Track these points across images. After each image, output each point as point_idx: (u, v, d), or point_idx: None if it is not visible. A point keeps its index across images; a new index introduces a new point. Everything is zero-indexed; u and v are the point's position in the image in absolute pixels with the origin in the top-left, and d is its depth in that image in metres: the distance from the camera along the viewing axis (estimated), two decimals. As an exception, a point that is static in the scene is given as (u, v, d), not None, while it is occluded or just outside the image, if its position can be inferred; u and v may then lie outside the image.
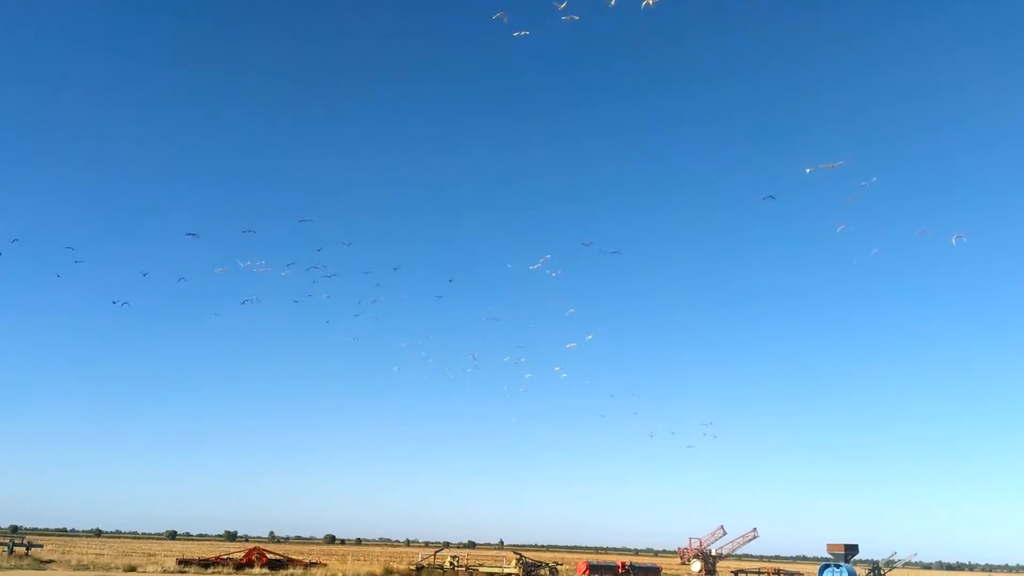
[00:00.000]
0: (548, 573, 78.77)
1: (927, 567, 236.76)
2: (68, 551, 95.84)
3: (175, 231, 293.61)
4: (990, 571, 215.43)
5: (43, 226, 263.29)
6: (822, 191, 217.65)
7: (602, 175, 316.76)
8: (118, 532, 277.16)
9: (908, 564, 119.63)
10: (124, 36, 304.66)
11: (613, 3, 42.16)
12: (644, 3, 37.35)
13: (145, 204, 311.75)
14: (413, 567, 78.69)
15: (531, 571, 77.65)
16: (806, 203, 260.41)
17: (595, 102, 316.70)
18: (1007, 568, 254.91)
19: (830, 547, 78.66)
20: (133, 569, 68.31)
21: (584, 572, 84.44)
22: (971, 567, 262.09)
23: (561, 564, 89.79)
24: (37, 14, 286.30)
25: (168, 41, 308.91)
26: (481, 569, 77.36)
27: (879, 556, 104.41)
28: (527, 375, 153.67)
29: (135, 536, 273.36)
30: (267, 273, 79.94)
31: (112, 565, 72.51)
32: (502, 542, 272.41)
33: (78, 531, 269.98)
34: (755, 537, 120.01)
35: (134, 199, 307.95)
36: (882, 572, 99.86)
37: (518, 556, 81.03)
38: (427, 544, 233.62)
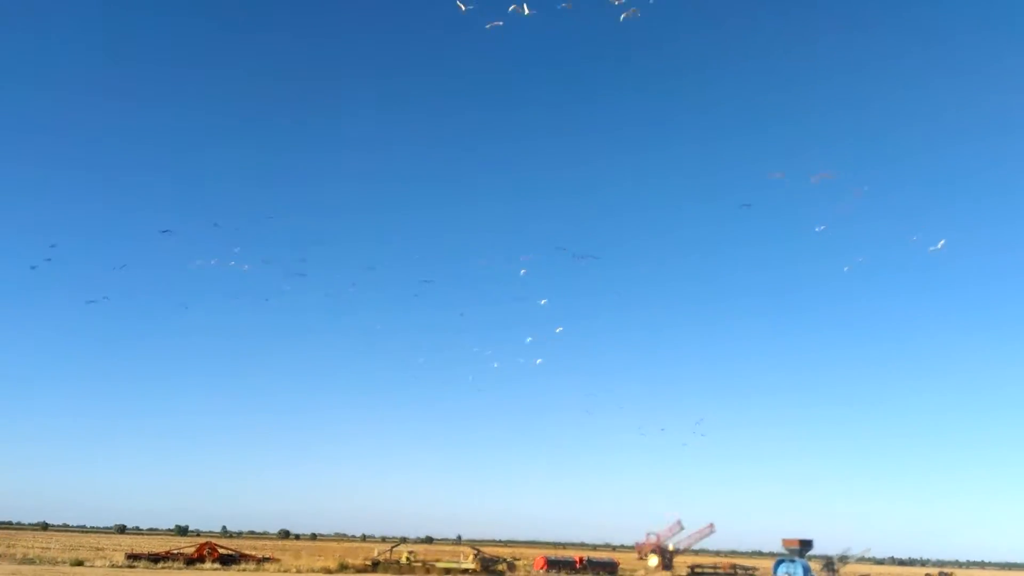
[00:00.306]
0: (506, 568, 78.40)
1: (880, 562, 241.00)
2: (13, 544, 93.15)
3: (151, 227, 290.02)
4: (942, 566, 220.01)
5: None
6: (814, 191, 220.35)
7: (591, 171, 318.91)
8: (65, 526, 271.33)
9: (862, 559, 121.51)
10: (103, 34, 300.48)
11: (568, 5, 41.68)
12: (623, 15, 36.96)
13: (124, 201, 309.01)
14: (369, 563, 77.69)
15: (489, 566, 77.20)
16: (796, 203, 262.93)
17: (578, 99, 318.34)
18: (958, 564, 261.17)
19: (785, 542, 79.41)
20: (80, 563, 66.41)
21: (542, 567, 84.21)
22: (923, 562, 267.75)
23: (519, 559, 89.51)
24: (12, 12, 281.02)
25: (145, 39, 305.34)
26: (438, 565, 76.64)
27: (834, 551, 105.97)
28: (495, 364, 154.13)
29: (83, 530, 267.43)
30: (233, 268, 78.51)
31: (59, 559, 70.40)
32: (460, 537, 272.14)
33: (24, 524, 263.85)
34: (712, 532, 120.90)
35: (114, 196, 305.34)
36: (836, 567, 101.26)
37: (476, 551, 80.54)
38: (383, 539, 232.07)
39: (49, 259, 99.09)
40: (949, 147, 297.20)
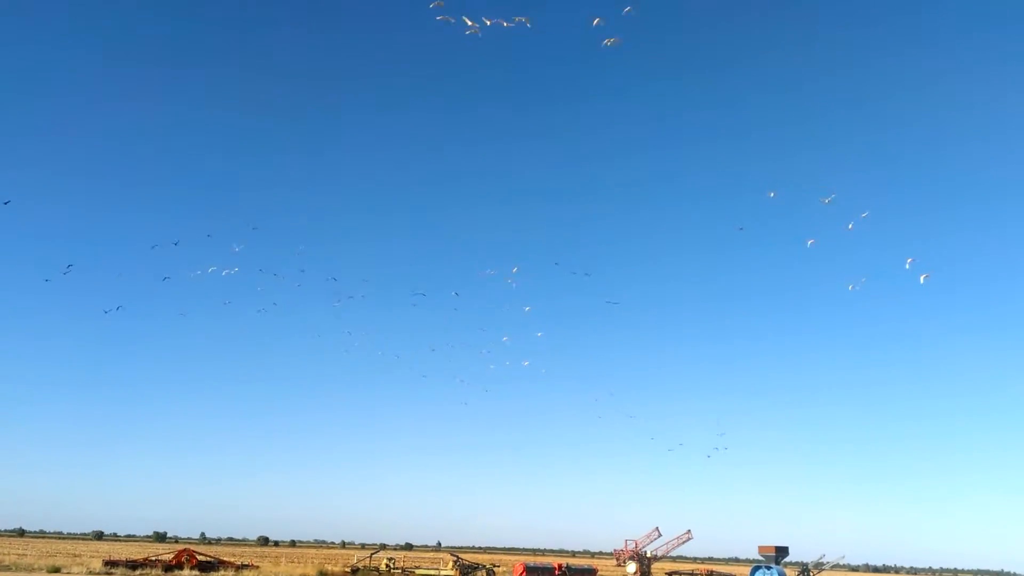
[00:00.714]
0: (485, 575, 78.77)
1: (854, 569, 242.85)
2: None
3: (148, 235, 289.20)
4: (914, 573, 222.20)
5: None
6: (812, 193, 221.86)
7: (593, 174, 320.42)
8: (42, 532, 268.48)
9: (836, 566, 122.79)
10: (102, 38, 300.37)
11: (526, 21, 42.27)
12: (605, 42, 37.62)
13: (119, 208, 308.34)
14: (348, 569, 77.87)
15: (468, 573, 77.59)
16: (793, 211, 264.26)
17: (576, 101, 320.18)
18: (931, 570, 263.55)
19: (761, 549, 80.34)
20: (57, 570, 66.21)
21: (521, 574, 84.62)
22: (897, 569, 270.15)
23: (498, 566, 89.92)
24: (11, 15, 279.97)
25: (144, 41, 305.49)
26: (417, 571, 77.01)
27: (809, 558, 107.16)
28: (490, 366, 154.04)
29: (60, 536, 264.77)
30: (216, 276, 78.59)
31: (35, 566, 70.15)
32: (439, 544, 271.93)
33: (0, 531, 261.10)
34: (689, 539, 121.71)
35: (111, 202, 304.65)
36: (811, 573, 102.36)
37: (455, 558, 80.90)
38: (363, 546, 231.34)
39: (65, 273, 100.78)
40: (947, 150, 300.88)
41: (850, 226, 61.72)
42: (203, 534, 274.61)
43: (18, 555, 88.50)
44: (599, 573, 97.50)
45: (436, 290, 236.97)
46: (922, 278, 54.63)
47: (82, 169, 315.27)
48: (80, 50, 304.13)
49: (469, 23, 37.24)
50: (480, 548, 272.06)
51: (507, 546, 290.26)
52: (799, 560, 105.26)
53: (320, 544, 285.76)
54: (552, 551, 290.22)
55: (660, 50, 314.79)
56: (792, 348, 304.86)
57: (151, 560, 72.75)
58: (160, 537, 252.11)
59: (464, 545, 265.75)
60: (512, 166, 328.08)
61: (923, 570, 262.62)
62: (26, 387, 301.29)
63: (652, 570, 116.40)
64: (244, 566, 75.80)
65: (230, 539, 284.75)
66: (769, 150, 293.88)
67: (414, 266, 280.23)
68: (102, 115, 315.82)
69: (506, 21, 38.59)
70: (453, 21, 40.39)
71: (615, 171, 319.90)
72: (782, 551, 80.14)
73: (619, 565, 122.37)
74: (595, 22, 36.88)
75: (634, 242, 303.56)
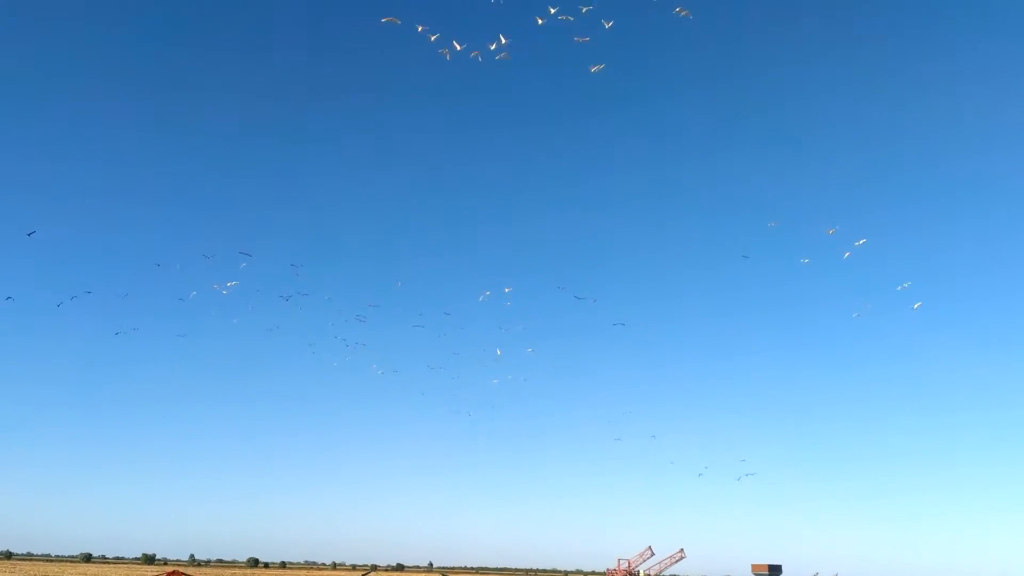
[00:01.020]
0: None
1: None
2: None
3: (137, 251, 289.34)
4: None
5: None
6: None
7: (599, 185, 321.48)
8: (30, 554, 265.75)
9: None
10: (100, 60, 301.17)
11: (541, 22, 42.86)
12: (592, 68, 38.30)
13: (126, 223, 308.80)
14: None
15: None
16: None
17: (577, 114, 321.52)
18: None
19: (755, 567, 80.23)
20: (43, 594, 65.50)
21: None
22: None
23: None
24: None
25: (141, 64, 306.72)
26: (409, 592, 76.42)
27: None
28: (494, 380, 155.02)
29: (47, 559, 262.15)
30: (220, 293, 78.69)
31: (21, 590, 69.38)
32: (431, 564, 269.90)
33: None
34: (683, 557, 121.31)
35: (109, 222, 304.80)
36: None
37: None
38: (354, 567, 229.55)
39: (74, 297, 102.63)
40: (948, 162, 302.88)
41: (853, 246, 62.19)
42: (192, 556, 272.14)
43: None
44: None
45: (433, 309, 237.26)
46: (915, 306, 54.89)
47: (80, 189, 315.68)
48: (81, 73, 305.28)
49: (458, 47, 37.70)
50: (472, 568, 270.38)
51: (499, 566, 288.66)
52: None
53: (311, 565, 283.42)
54: (544, 571, 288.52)
55: (659, 64, 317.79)
56: (788, 365, 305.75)
57: (139, 582, 72.27)
58: (149, 559, 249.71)
59: (456, 565, 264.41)
60: (513, 181, 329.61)
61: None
62: (12, 408, 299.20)
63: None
64: (234, 588, 75.21)
65: (219, 561, 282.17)
66: (773, 165, 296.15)
67: (413, 283, 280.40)
68: (101, 136, 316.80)
69: (498, 51, 39.10)
70: (435, 39, 40.84)
71: (620, 184, 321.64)
72: (776, 569, 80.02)
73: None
74: (578, 40, 37.34)
75: (632, 258, 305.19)
